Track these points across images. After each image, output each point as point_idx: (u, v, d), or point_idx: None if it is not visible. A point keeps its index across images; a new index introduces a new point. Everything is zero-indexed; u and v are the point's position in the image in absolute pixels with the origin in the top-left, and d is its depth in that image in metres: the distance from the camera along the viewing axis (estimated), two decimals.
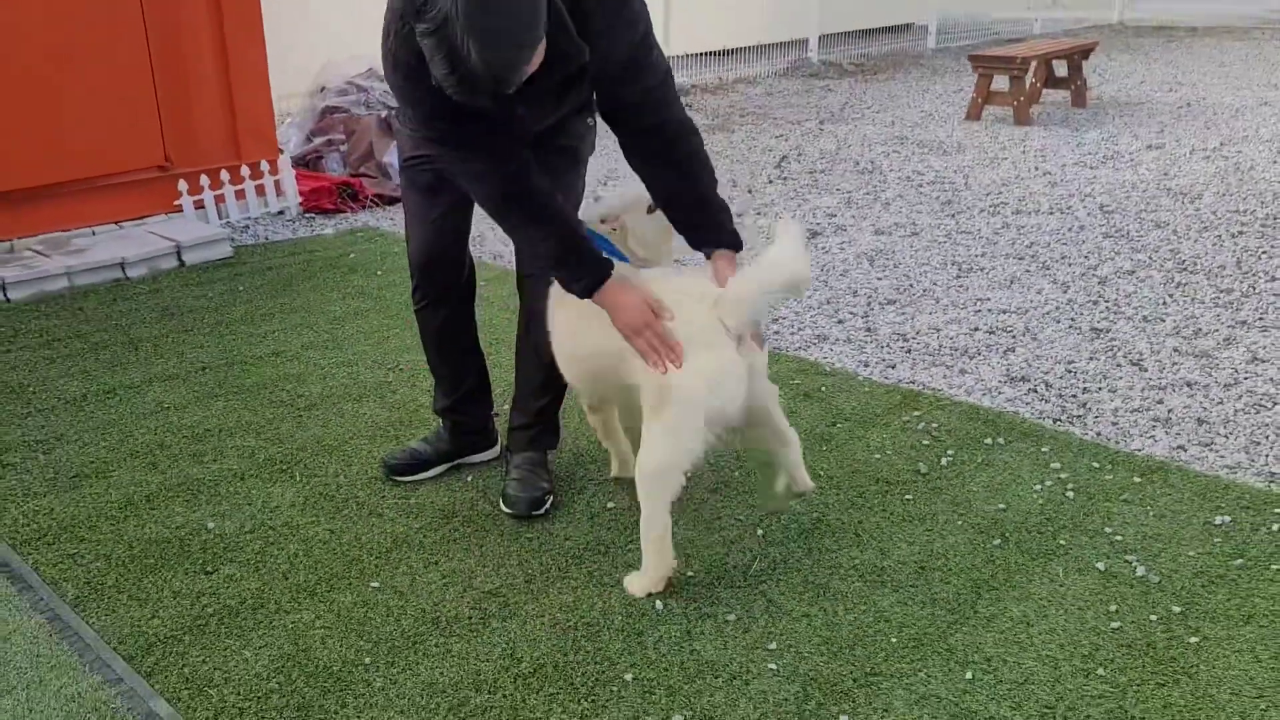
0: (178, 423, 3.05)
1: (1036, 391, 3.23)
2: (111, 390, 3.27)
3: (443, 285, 2.56)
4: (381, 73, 6.25)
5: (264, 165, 5.30)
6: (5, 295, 4.09)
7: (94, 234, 4.69)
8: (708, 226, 2.25)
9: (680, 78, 9.43)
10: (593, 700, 1.92)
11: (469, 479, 2.73)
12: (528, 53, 1.85)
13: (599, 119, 2.31)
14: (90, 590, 2.24)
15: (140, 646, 2.05)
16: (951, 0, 12.34)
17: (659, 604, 2.19)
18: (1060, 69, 8.26)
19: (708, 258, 2.25)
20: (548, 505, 2.55)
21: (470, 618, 2.15)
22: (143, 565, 2.33)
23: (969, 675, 1.97)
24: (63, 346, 3.64)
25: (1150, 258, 4.49)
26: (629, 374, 2.18)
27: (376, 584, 2.27)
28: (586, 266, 2.13)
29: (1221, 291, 4.05)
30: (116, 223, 4.79)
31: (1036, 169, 6.16)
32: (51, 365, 3.47)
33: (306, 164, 5.95)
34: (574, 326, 2.29)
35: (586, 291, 2.12)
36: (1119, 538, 2.42)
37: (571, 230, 2.15)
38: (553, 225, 2.13)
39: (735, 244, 2.24)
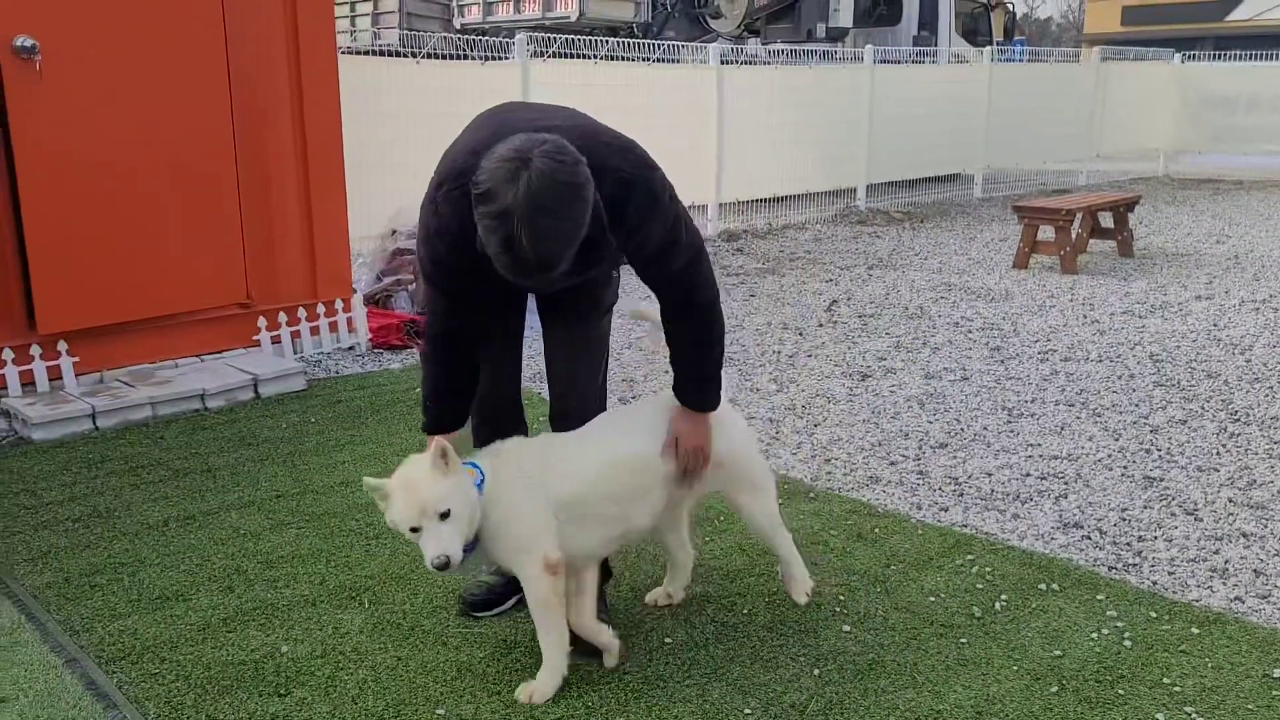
0: (253, 549, 3.18)
1: (1090, 539, 3.25)
2: (191, 516, 3.43)
3: (501, 426, 2.67)
4: None
5: (338, 303, 5.59)
6: (94, 424, 4.32)
7: (177, 366, 4.95)
8: (682, 388, 2.53)
9: (732, 223, 9.80)
10: None
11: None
12: (574, 248, 2.12)
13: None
14: (170, 710, 2.34)
15: None
16: (997, 152, 12.74)
17: None
18: (1106, 219, 8.46)
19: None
20: None
21: None
22: (220, 686, 2.43)
23: None
24: (146, 473, 3.82)
25: (1202, 408, 4.53)
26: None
27: (442, 711, 2.33)
28: (430, 415, 2.58)
29: (1275, 443, 4.06)
30: (198, 356, 5.06)
31: (1085, 317, 6.27)
32: (135, 491, 3.65)
33: (376, 302, 6.26)
34: None
35: (424, 429, 2.60)
36: (1177, 689, 2.42)
37: (446, 388, 2.54)
38: (440, 374, 2.53)
39: (687, 403, 2.53)
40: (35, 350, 4.50)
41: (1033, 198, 10.89)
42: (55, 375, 4.56)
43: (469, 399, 2.59)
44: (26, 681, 2.44)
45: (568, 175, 2.07)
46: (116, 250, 4.62)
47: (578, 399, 2.62)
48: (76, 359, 4.58)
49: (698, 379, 2.52)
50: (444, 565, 2.21)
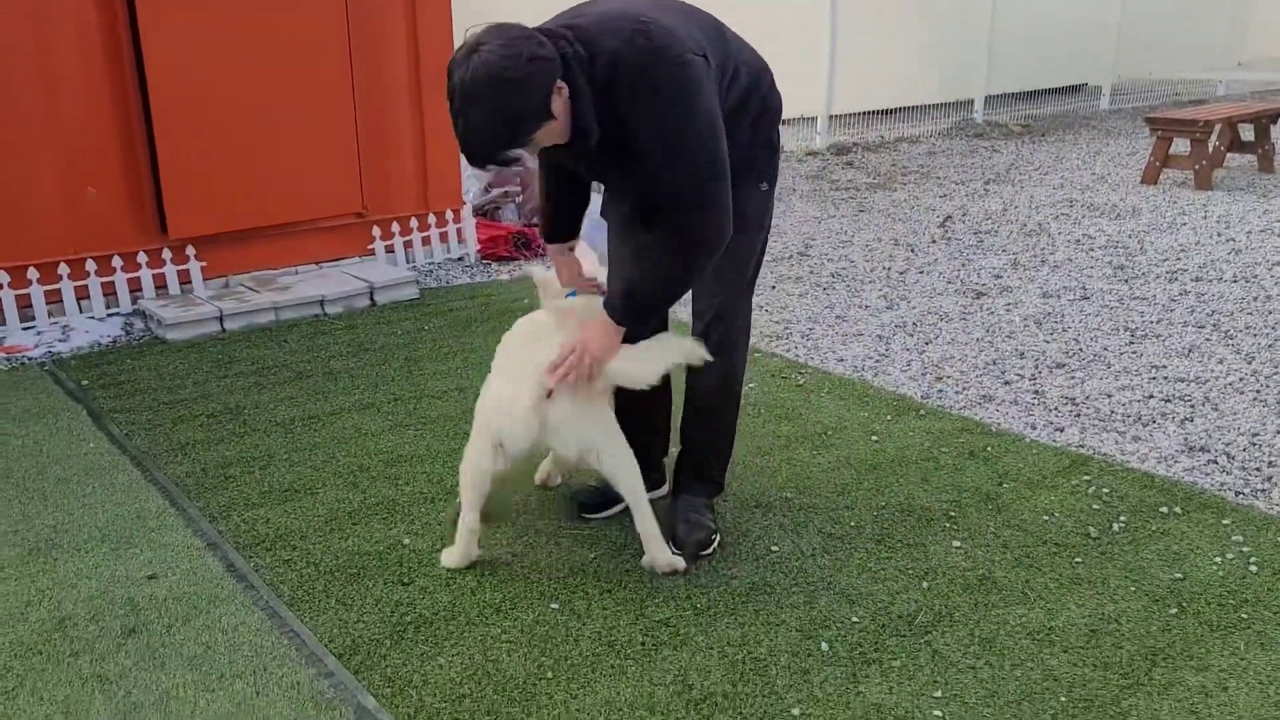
0: (374, 448, 3.31)
1: (1217, 463, 3.14)
2: (315, 416, 3.58)
3: None
4: None
5: (448, 214, 5.68)
6: (222, 326, 4.52)
7: (297, 273, 5.13)
8: (616, 296, 2.37)
9: (842, 135, 9.54)
10: None
11: None
12: (502, 142, 2.11)
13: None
14: (303, 593, 2.48)
15: (347, 646, 2.26)
16: (1128, 61, 12.01)
17: (824, 645, 2.25)
18: (1246, 132, 7.94)
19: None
20: (714, 546, 2.65)
21: (643, 643, 2.27)
22: (348, 574, 2.56)
23: None
24: (271, 375, 4.00)
25: None
26: None
27: (556, 605, 2.42)
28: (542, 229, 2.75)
29: None
30: (317, 263, 5.23)
31: (1219, 235, 5.95)
32: (263, 391, 3.82)
33: (485, 214, 6.33)
34: None
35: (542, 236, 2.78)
36: None
37: (550, 205, 2.67)
38: (544, 195, 2.66)
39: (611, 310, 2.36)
40: (167, 254, 4.71)
41: (1166, 109, 10.28)
42: (185, 279, 4.78)
43: (568, 222, 2.70)
44: (174, 561, 2.61)
45: (501, 69, 2.04)
46: (241, 160, 4.76)
47: (713, 306, 2.55)
48: (204, 264, 4.78)
49: (633, 294, 2.33)
50: None
